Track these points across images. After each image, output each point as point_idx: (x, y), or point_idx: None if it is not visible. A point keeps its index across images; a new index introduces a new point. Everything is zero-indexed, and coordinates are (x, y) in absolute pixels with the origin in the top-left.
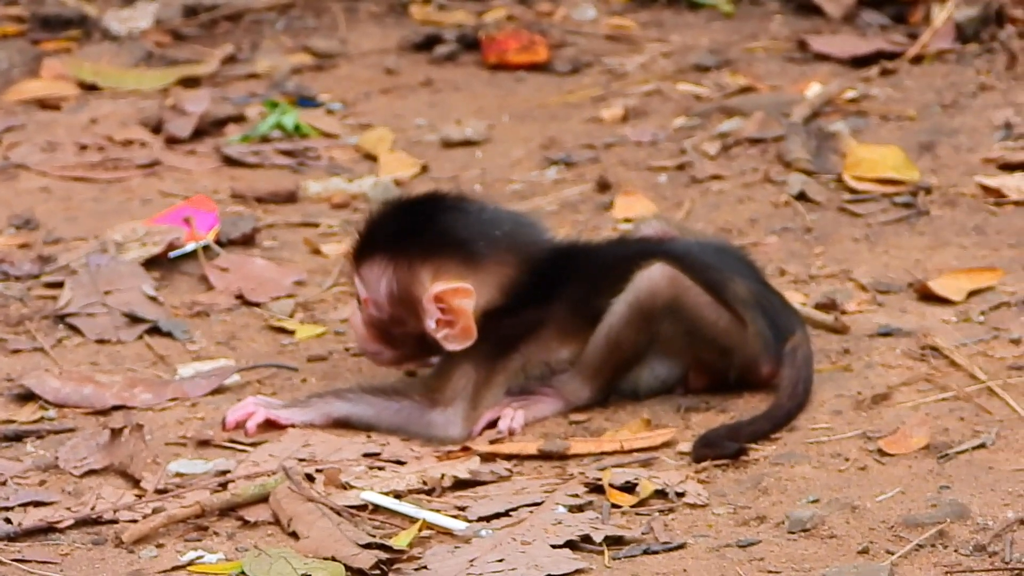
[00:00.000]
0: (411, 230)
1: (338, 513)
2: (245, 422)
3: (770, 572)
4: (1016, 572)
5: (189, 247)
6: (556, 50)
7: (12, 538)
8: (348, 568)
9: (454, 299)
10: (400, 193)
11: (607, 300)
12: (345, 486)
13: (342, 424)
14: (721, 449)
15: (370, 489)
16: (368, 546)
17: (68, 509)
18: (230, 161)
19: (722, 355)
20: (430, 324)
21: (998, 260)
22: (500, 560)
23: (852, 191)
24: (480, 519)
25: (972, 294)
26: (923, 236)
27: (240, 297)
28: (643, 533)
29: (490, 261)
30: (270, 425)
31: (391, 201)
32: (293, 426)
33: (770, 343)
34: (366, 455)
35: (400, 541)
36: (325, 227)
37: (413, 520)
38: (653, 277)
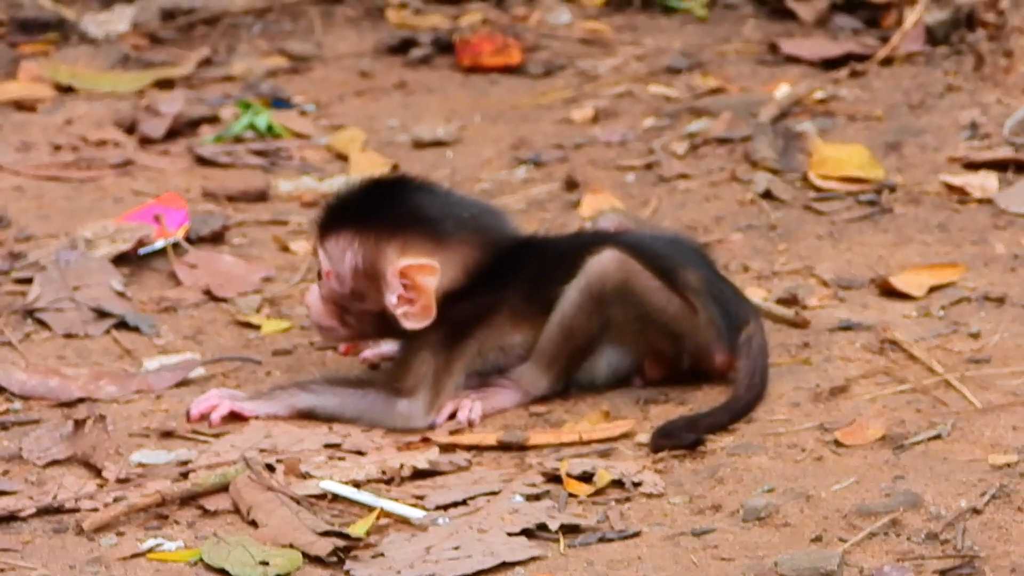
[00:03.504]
0: (379, 206)
1: (297, 502)
2: (209, 414)
3: (723, 559)
4: (967, 560)
5: (159, 244)
6: (530, 53)
7: None
8: (306, 555)
9: (419, 275)
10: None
11: (559, 287)
12: (305, 475)
13: (306, 415)
14: (679, 440)
15: (330, 478)
16: (326, 534)
17: (30, 498)
18: (202, 161)
19: (674, 342)
20: (391, 299)
21: (960, 256)
22: (456, 548)
23: (817, 189)
24: (438, 508)
25: (933, 290)
26: (886, 233)
27: (208, 293)
28: (599, 521)
29: (456, 242)
30: (234, 417)
31: (360, 180)
32: (257, 418)
33: (722, 331)
34: (327, 445)
35: (358, 529)
36: (295, 225)
37: (371, 509)
38: (603, 262)
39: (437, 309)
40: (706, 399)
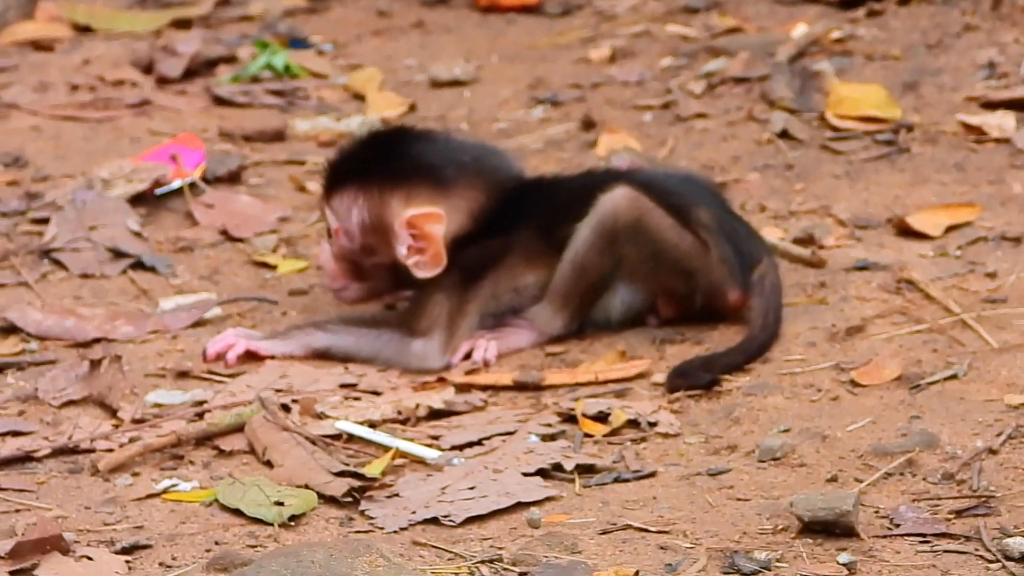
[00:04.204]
0: (381, 159)
1: (312, 442)
2: (225, 353)
3: (739, 499)
4: (983, 500)
5: (175, 184)
6: None
7: None
8: (321, 496)
9: (426, 224)
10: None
11: (572, 226)
12: (320, 416)
13: (322, 355)
14: (695, 380)
15: (345, 419)
16: (341, 474)
17: (46, 439)
18: (220, 101)
19: (686, 280)
20: (401, 251)
21: (977, 196)
22: (471, 488)
23: (834, 129)
24: (453, 448)
25: (950, 229)
26: (903, 173)
27: (224, 233)
28: (614, 462)
29: (460, 187)
30: (250, 356)
31: (359, 134)
32: (273, 357)
33: (735, 269)
34: (343, 386)
35: (373, 469)
36: (311, 164)
37: (386, 449)
38: (615, 199)
39: (448, 254)
40: (722, 339)
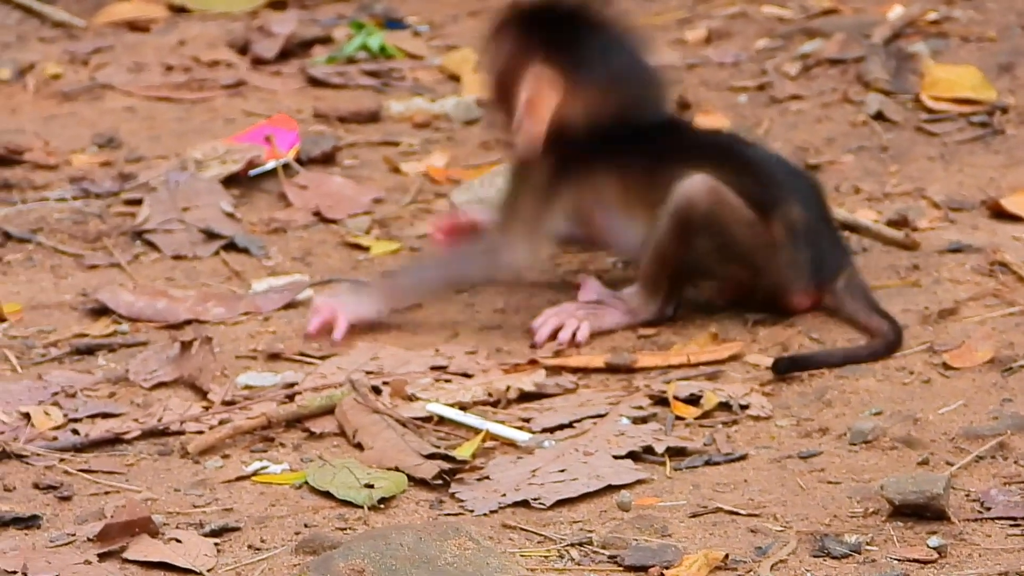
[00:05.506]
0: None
1: (403, 424)
2: (329, 326)
3: (830, 482)
4: None
5: (269, 165)
6: None
7: (79, 449)
8: (411, 478)
9: (543, 86)
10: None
11: (666, 176)
12: (411, 398)
13: (411, 295)
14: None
15: (436, 401)
16: (431, 456)
17: (136, 421)
18: (315, 82)
19: (752, 274)
20: (521, 101)
21: None
22: (562, 470)
23: (929, 111)
24: (544, 430)
25: None
26: (998, 155)
27: (317, 214)
28: (705, 444)
29: (588, 80)
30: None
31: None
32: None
33: (803, 272)
34: (433, 368)
35: (463, 452)
36: (406, 146)
37: (477, 431)
38: (692, 187)
39: (548, 143)
40: (814, 321)
